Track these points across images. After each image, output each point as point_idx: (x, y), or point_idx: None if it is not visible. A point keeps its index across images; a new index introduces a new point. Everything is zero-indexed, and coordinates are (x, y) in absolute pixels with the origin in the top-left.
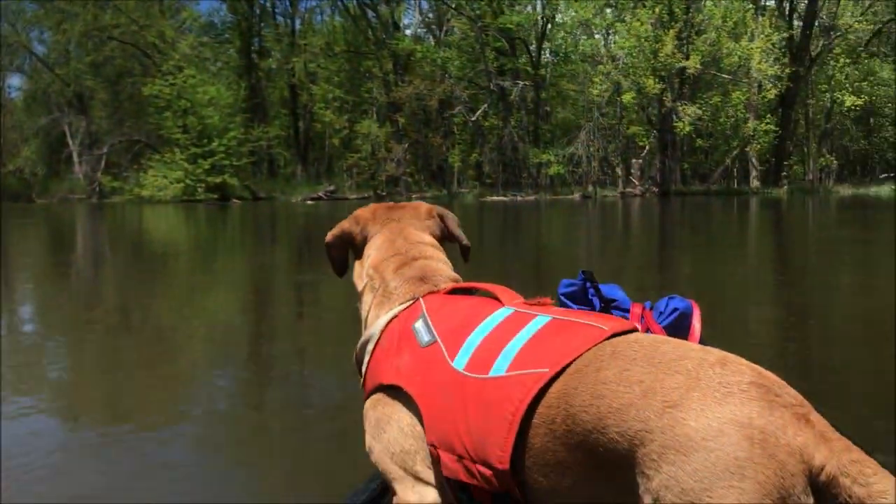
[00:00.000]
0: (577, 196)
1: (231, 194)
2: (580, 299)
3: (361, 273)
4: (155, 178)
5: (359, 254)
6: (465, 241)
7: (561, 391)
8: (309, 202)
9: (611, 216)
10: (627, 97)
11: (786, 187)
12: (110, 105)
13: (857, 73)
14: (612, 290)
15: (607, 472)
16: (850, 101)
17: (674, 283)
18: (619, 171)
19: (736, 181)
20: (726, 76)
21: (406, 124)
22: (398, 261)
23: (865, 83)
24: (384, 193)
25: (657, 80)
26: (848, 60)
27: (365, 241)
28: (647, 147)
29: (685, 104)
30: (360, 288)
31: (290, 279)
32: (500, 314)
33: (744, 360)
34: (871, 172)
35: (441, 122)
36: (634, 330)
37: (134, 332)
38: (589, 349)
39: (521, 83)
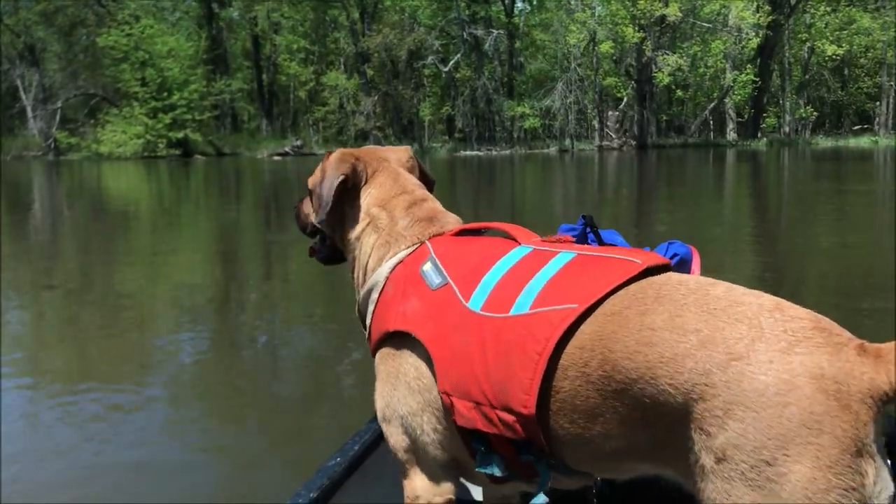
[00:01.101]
0: (553, 150)
1: (194, 150)
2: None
3: (356, 215)
4: (113, 133)
5: (348, 199)
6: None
7: (597, 333)
8: (276, 158)
9: (590, 170)
10: (605, 47)
11: (764, 139)
12: (64, 57)
13: (836, 21)
14: (611, 236)
15: (648, 423)
16: (831, 49)
17: (660, 236)
18: (595, 123)
19: (712, 133)
20: (706, 24)
21: (375, 76)
22: (408, 199)
23: (845, 32)
24: None
25: (637, 28)
26: (828, 9)
27: (356, 185)
28: (625, 99)
29: (666, 53)
30: (355, 233)
31: (259, 238)
32: (518, 252)
33: (793, 304)
34: (845, 124)
35: (411, 74)
36: (668, 265)
37: (97, 297)
38: (622, 285)
39: (494, 32)
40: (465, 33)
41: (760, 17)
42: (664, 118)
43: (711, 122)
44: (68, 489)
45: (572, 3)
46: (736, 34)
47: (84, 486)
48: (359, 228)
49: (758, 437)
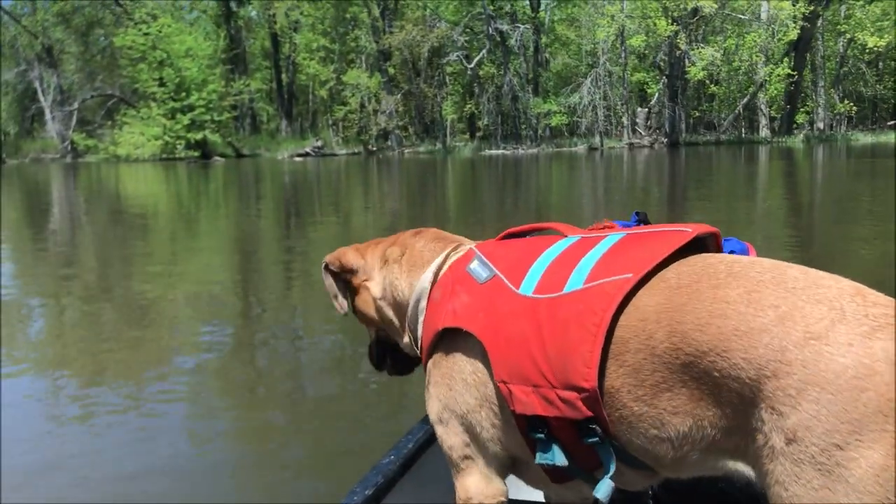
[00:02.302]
0: (581, 148)
1: (213, 151)
2: None
3: (370, 275)
4: (131, 135)
5: (356, 288)
6: None
7: (663, 305)
8: (296, 158)
9: (622, 169)
10: (637, 41)
11: (801, 136)
12: (81, 58)
13: (876, 11)
14: None
15: (716, 401)
16: (872, 41)
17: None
18: (624, 120)
19: (743, 130)
20: (743, 16)
21: (397, 74)
22: (411, 233)
23: (886, 23)
24: (374, 148)
25: (670, 20)
26: None
27: (356, 268)
28: (657, 95)
29: (701, 47)
30: (377, 286)
31: (281, 245)
32: (566, 241)
33: (874, 291)
34: (882, 119)
35: (433, 72)
36: (717, 234)
37: (115, 304)
38: (676, 254)
39: (521, 26)
40: (490, 28)
41: (800, 6)
42: (696, 115)
43: (743, 119)
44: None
45: None
46: (771, 26)
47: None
48: (380, 278)
49: (831, 420)
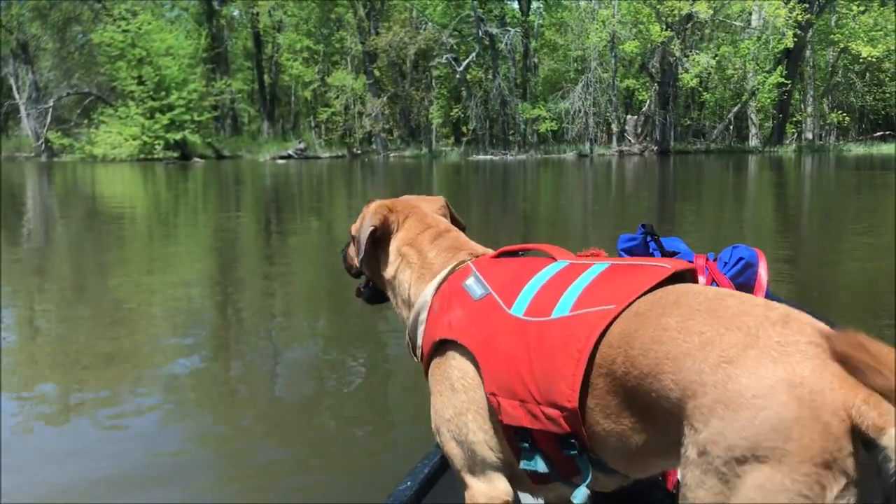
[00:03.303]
0: (569, 155)
1: (192, 152)
2: (640, 253)
3: (388, 258)
4: (108, 134)
5: (383, 244)
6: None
7: (623, 332)
8: (279, 161)
9: (613, 176)
10: (630, 46)
11: (793, 146)
12: (57, 55)
13: (869, 21)
14: (673, 243)
15: (656, 417)
16: (866, 51)
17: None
18: (614, 127)
19: (732, 139)
20: (737, 23)
21: (383, 76)
22: (432, 233)
23: (880, 32)
24: (359, 151)
25: (663, 26)
26: (861, 8)
27: (388, 232)
28: (648, 102)
29: (695, 53)
30: (390, 273)
31: (261, 252)
32: (556, 266)
33: (808, 318)
34: (870, 130)
35: (420, 75)
36: (694, 271)
37: (90, 311)
38: (652, 288)
39: (511, 30)
40: (480, 31)
41: (797, 14)
42: (687, 122)
43: (732, 128)
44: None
45: (592, 2)
46: (765, 33)
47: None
48: (393, 268)
49: (732, 436)
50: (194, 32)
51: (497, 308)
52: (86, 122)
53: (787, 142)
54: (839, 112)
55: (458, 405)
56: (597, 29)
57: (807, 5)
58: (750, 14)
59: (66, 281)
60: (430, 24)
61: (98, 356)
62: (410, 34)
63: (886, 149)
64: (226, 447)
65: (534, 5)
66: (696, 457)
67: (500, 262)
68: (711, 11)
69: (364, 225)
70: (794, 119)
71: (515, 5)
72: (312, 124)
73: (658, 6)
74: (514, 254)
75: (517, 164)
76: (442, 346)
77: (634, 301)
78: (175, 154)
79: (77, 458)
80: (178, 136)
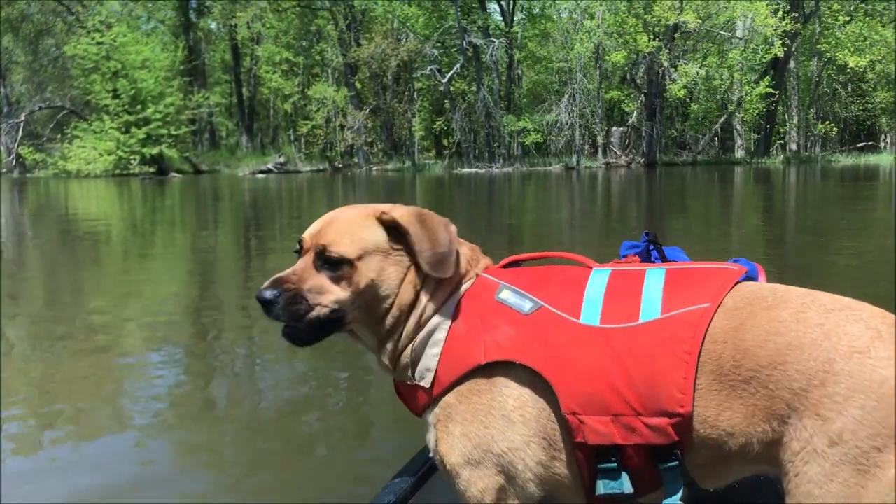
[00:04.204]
0: (556, 167)
1: (169, 167)
2: (644, 261)
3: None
4: (82, 149)
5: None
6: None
7: (728, 326)
8: (258, 175)
9: (603, 189)
10: (617, 57)
11: (781, 157)
12: (29, 68)
13: (855, 31)
14: (674, 253)
15: (766, 412)
16: (853, 61)
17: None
18: (599, 139)
19: (718, 150)
20: (725, 33)
21: (364, 89)
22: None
23: (866, 42)
24: (340, 165)
25: (651, 37)
26: (847, 18)
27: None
28: (634, 113)
29: (684, 63)
30: (393, 283)
31: (240, 272)
32: (601, 273)
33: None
34: (851, 141)
35: (403, 87)
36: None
37: (64, 335)
38: (733, 287)
39: (495, 41)
40: (464, 42)
41: (787, 23)
42: (673, 134)
43: (717, 139)
44: None
45: (576, 13)
46: (751, 43)
47: None
48: (396, 279)
49: (874, 425)
50: (171, 45)
51: (560, 321)
52: (59, 136)
53: (774, 152)
54: (827, 123)
55: (516, 438)
56: (582, 40)
57: (796, 14)
58: (733, 24)
59: (39, 302)
60: (412, 35)
61: (73, 376)
62: (392, 46)
63: (875, 159)
64: (205, 465)
65: (517, 16)
66: (827, 447)
67: (523, 274)
68: (700, 21)
69: (443, 236)
70: (779, 130)
71: (499, 17)
72: (292, 138)
73: (645, 16)
74: (516, 264)
75: (503, 176)
76: (486, 371)
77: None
78: (151, 169)
79: (55, 476)
80: (154, 151)
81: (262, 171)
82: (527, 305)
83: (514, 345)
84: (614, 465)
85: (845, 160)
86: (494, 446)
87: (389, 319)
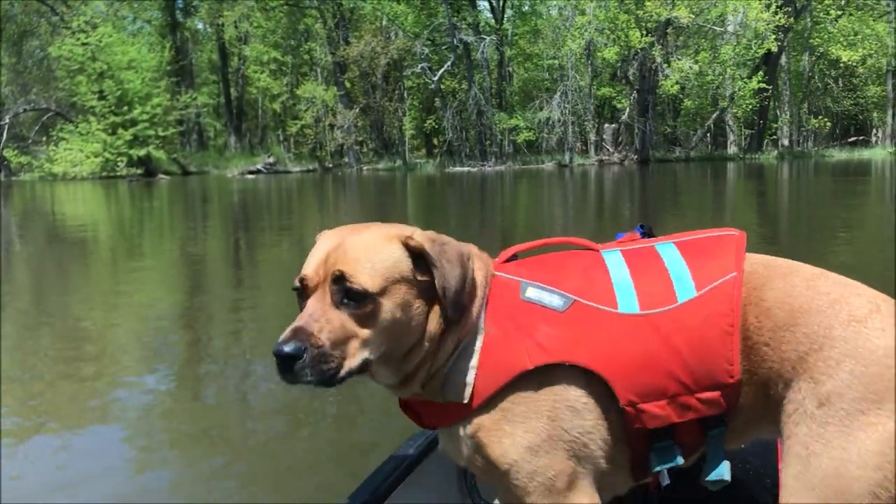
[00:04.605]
0: (549, 165)
1: (157, 168)
2: None
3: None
4: (69, 151)
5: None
6: None
7: (749, 285)
8: (248, 176)
9: (598, 187)
10: (610, 53)
11: (774, 152)
12: (13, 69)
13: (848, 25)
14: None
15: (777, 373)
16: (846, 55)
17: None
18: (592, 136)
19: (710, 146)
20: (717, 28)
21: (354, 88)
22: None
23: (858, 37)
24: (331, 165)
25: (643, 32)
26: (839, 12)
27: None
28: (627, 110)
29: (677, 58)
30: (435, 328)
31: (229, 274)
32: (613, 254)
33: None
34: (841, 136)
35: (392, 85)
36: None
37: (50, 338)
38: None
39: (486, 38)
40: (454, 39)
41: (779, 17)
42: (666, 130)
43: (709, 135)
44: None
45: (566, 10)
46: (743, 38)
47: None
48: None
49: (860, 389)
50: (157, 45)
51: (600, 313)
52: (44, 139)
53: (767, 148)
54: (820, 118)
55: (587, 424)
56: (574, 36)
57: (789, 9)
58: (724, 19)
59: (26, 309)
60: (401, 33)
61: (60, 384)
62: (382, 44)
63: (868, 153)
64: (194, 479)
65: (508, 13)
66: (815, 409)
67: (533, 266)
68: (692, 16)
69: (460, 273)
70: (771, 125)
71: (488, 14)
72: (281, 138)
73: (637, 11)
74: (515, 256)
75: (495, 175)
76: (533, 375)
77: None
78: (139, 171)
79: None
80: (141, 153)
81: (251, 172)
82: (559, 301)
83: (559, 345)
84: (670, 442)
85: (839, 155)
86: (566, 435)
87: (416, 355)
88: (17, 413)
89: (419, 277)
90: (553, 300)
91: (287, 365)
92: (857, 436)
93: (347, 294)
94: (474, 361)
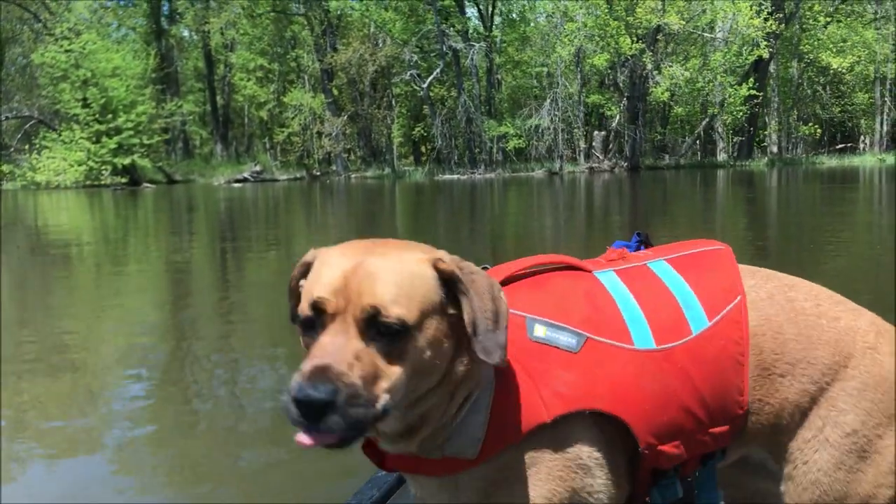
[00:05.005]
0: (539, 172)
1: (142, 177)
2: None
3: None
4: (52, 160)
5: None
6: None
7: (761, 317)
8: (234, 184)
9: (588, 194)
10: (600, 60)
11: (765, 159)
12: None
13: (838, 32)
14: None
15: (796, 405)
16: (836, 62)
17: None
18: (581, 144)
19: (700, 154)
20: (708, 35)
21: (342, 95)
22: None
23: (847, 43)
24: (318, 173)
25: (634, 39)
26: (829, 19)
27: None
28: (617, 117)
29: (668, 65)
30: (461, 372)
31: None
32: (608, 276)
33: None
34: (828, 143)
35: (381, 93)
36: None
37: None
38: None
39: (475, 44)
40: (444, 46)
41: (770, 23)
42: (656, 137)
43: (699, 142)
44: None
45: (555, 17)
46: (735, 45)
47: None
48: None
49: (879, 417)
50: (142, 52)
51: (616, 351)
52: (27, 147)
53: (757, 155)
54: (811, 125)
55: (596, 482)
56: (564, 43)
57: (780, 15)
58: (714, 26)
59: (9, 321)
60: (389, 40)
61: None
62: (370, 51)
63: (858, 161)
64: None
65: (496, 20)
66: (840, 438)
67: (532, 295)
68: (683, 23)
69: (499, 301)
70: (760, 132)
71: (478, 20)
72: (268, 146)
73: (628, 18)
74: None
75: (485, 183)
76: (546, 427)
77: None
78: (123, 179)
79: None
80: (126, 161)
81: (237, 181)
82: (572, 340)
83: (577, 391)
84: (674, 479)
85: (829, 162)
86: (575, 496)
87: (429, 402)
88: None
89: (450, 311)
90: (566, 339)
91: (312, 413)
92: (875, 459)
93: (381, 331)
94: (484, 416)
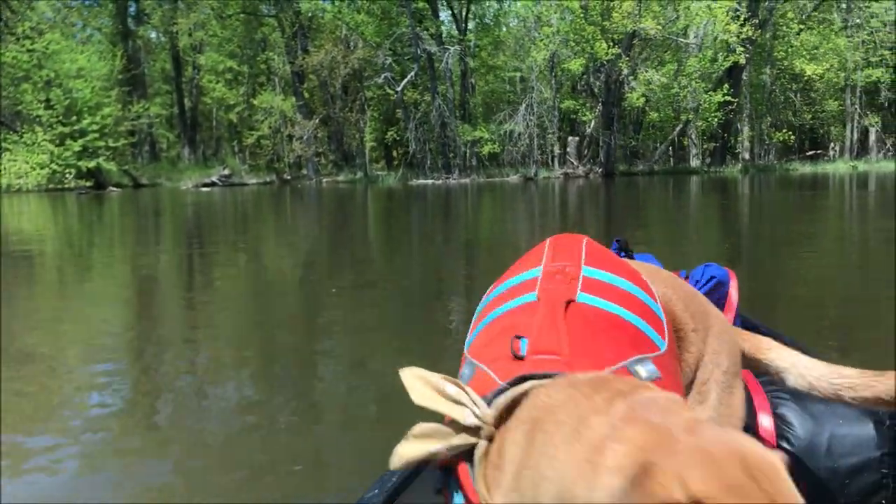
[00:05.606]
0: (513, 178)
1: (107, 181)
2: None
3: None
4: (13, 163)
5: None
6: None
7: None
8: (202, 189)
9: (562, 200)
10: (575, 64)
11: (739, 165)
12: None
13: (812, 39)
14: (646, 259)
15: (699, 354)
16: (810, 69)
17: None
18: (556, 149)
19: (672, 160)
20: (684, 40)
21: (314, 98)
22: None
23: (820, 50)
24: (289, 177)
25: (611, 44)
26: (802, 26)
27: None
28: (592, 122)
29: (644, 70)
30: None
31: (183, 295)
32: (592, 299)
33: None
34: (798, 150)
35: (353, 95)
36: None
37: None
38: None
39: (450, 48)
40: (418, 50)
41: (747, 29)
42: (631, 143)
43: (672, 148)
44: None
45: (529, 21)
46: (710, 51)
47: None
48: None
49: (735, 361)
50: (108, 53)
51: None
52: None
53: (731, 161)
54: (785, 131)
55: None
56: (539, 47)
57: (756, 21)
58: (688, 31)
59: None
60: (362, 42)
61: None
62: (342, 53)
63: (831, 167)
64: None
65: (471, 24)
66: (721, 377)
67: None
68: (659, 28)
69: None
70: (733, 138)
71: (452, 24)
72: (237, 149)
73: (604, 23)
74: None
75: (459, 188)
76: None
77: None
78: (88, 183)
79: None
80: (91, 164)
81: (205, 185)
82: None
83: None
84: None
85: (803, 168)
86: None
87: None
88: None
89: None
90: (652, 370)
91: None
92: (736, 393)
93: None
94: None
